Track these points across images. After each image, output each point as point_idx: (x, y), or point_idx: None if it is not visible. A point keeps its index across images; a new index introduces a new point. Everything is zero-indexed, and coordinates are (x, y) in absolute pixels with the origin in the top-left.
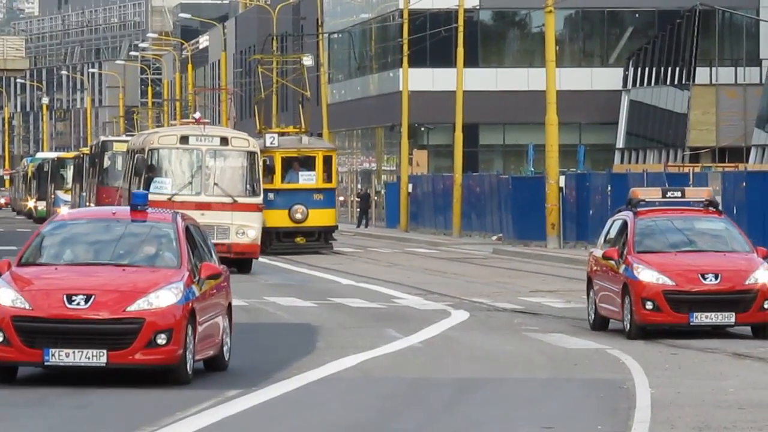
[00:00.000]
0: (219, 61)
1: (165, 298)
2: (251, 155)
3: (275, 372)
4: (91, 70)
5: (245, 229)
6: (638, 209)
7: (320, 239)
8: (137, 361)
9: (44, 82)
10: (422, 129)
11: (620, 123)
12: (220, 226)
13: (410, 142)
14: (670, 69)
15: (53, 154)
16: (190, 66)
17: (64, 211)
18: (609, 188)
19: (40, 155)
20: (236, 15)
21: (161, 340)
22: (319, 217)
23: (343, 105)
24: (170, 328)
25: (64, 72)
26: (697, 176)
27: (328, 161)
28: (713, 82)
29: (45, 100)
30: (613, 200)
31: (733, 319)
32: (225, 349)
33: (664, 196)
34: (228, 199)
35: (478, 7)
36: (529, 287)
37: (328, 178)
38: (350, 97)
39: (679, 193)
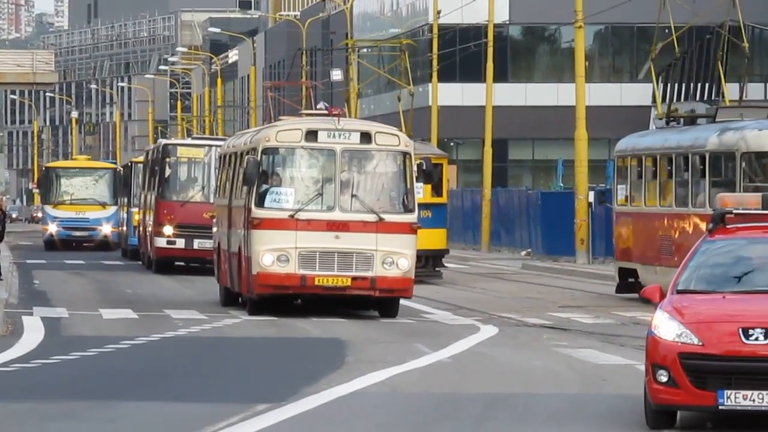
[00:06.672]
0: (248, 75)
1: None
2: (403, 157)
3: (304, 386)
4: (120, 83)
5: (395, 257)
6: (717, 227)
7: (427, 265)
8: None
9: (73, 96)
10: (451, 144)
11: None
12: (361, 254)
13: None
14: (699, 85)
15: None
16: (219, 80)
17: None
18: None
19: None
20: (265, 29)
21: None
22: (427, 239)
23: (372, 120)
24: None
25: (93, 86)
26: None
27: (437, 171)
28: (743, 98)
29: (74, 114)
30: None
31: None
32: None
33: (765, 206)
34: (372, 217)
35: (507, 22)
36: (558, 303)
37: (438, 191)
38: (379, 112)
39: None
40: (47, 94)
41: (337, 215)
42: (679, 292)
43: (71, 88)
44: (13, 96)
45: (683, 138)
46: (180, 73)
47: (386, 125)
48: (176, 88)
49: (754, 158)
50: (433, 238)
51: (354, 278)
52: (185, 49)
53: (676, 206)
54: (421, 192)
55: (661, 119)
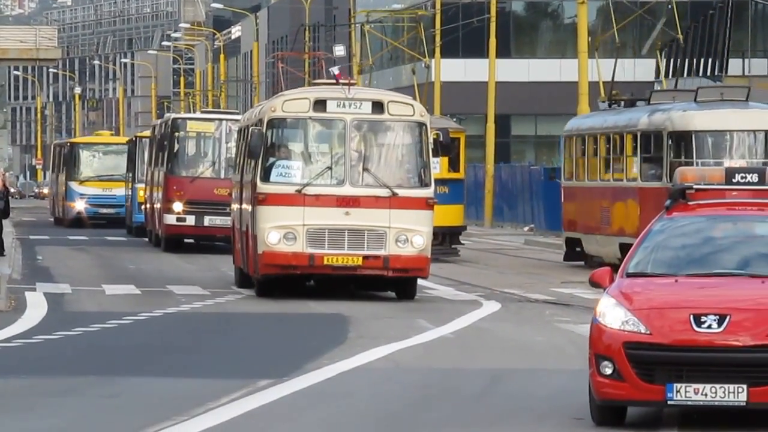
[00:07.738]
0: (251, 51)
1: None
2: (419, 128)
3: (306, 362)
4: (123, 60)
5: (409, 234)
6: (676, 203)
7: (444, 242)
8: None
9: (76, 72)
10: (454, 119)
11: None
12: (373, 231)
13: None
14: (702, 60)
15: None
16: (222, 56)
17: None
18: None
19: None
20: (268, 5)
21: None
22: (443, 215)
23: None
24: None
25: (96, 62)
26: None
27: (454, 145)
28: (746, 73)
29: (77, 90)
30: None
31: (744, 396)
32: None
33: (729, 180)
34: (384, 192)
35: None
36: (560, 278)
37: (455, 166)
38: (382, 88)
39: (755, 176)
40: (50, 70)
41: (347, 190)
42: (629, 275)
43: (74, 64)
44: (16, 72)
45: (620, 119)
46: (183, 49)
47: (401, 94)
48: (179, 64)
49: (678, 137)
50: (450, 215)
51: (365, 257)
52: (188, 25)
53: (612, 180)
54: (438, 167)
55: (603, 102)
